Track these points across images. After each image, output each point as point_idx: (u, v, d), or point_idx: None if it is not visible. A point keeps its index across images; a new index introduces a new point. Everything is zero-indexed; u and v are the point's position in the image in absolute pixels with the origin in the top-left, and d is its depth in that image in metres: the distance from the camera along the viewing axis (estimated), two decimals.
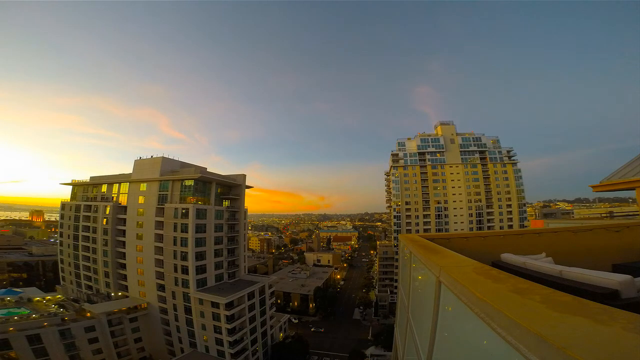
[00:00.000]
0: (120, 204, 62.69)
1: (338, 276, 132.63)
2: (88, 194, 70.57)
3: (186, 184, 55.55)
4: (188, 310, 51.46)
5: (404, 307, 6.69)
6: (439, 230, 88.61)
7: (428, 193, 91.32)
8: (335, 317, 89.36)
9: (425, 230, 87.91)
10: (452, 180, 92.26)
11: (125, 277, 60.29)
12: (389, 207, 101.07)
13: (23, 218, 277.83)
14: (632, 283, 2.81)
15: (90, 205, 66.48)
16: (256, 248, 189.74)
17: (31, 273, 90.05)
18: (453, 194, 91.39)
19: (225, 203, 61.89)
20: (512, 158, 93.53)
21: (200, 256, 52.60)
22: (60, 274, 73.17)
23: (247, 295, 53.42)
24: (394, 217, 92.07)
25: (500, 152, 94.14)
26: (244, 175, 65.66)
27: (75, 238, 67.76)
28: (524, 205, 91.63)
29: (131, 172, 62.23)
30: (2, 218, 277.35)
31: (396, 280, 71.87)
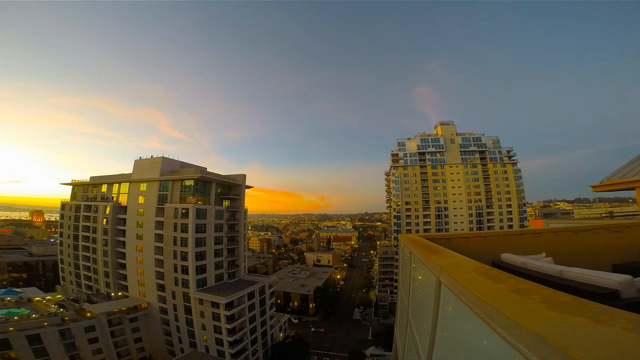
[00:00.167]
0: (120, 204, 62.69)
1: (338, 276, 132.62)
2: (88, 194, 70.57)
3: (186, 184, 55.55)
4: (188, 310, 51.45)
5: (404, 307, 6.69)
6: (439, 230, 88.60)
7: (428, 193, 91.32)
8: (335, 317, 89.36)
9: (425, 230, 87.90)
10: (452, 180, 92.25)
11: (125, 277, 60.29)
12: (389, 207, 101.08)
13: (23, 218, 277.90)
14: (632, 283, 2.81)
15: (90, 205, 66.48)
16: (256, 248, 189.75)
17: (31, 273, 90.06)
18: (453, 194, 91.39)
19: (225, 203, 61.88)
20: (512, 158, 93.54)
21: (200, 256, 52.60)
22: (60, 274, 73.16)
23: (247, 295, 53.42)
24: (394, 217, 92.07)
25: (500, 152, 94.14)
26: (244, 175, 65.67)
27: (75, 238, 67.76)
28: (524, 205, 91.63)
29: (131, 172, 62.22)
30: (2, 218, 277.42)
31: (396, 280, 71.88)
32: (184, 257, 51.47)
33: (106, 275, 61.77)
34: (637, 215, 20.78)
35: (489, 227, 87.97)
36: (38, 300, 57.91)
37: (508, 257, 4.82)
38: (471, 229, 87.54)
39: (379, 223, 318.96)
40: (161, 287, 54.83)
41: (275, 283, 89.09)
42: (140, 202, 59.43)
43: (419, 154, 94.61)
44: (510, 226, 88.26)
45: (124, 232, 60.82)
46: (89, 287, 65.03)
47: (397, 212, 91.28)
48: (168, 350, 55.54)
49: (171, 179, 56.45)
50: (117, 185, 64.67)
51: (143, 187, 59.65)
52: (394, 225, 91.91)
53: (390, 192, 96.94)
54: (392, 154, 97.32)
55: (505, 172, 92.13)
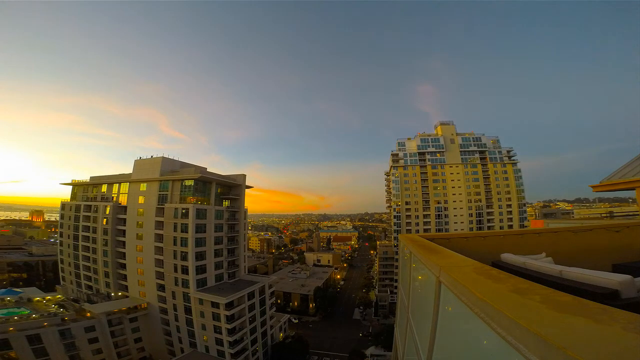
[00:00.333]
0: (120, 204, 62.69)
1: (338, 276, 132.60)
2: (88, 194, 70.57)
3: (186, 184, 55.54)
4: (188, 310, 51.45)
5: (404, 307, 6.68)
6: (439, 230, 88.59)
7: (428, 193, 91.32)
8: (335, 317, 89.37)
9: (425, 230, 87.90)
10: (452, 180, 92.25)
11: (125, 277, 60.29)
12: (389, 207, 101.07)
13: (23, 218, 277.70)
14: (632, 283, 2.81)
15: (90, 205, 66.47)
16: (256, 248, 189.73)
17: (31, 273, 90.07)
18: (453, 194, 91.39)
19: (225, 203, 61.87)
20: (512, 158, 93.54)
21: (200, 256, 52.59)
22: (60, 274, 73.16)
23: (247, 295, 53.42)
24: (394, 217, 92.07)
25: (500, 152, 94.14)
26: (244, 175, 65.66)
27: (75, 238, 67.75)
28: (524, 205, 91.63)
29: (131, 172, 62.23)
30: (2, 218, 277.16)
31: (396, 280, 71.85)
32: (184, 257, 51.47)
33: (106, 275, 61.77)
34: (637, 215, 20.79)
35: (489, 227, 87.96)
36: (38, 300, 57.90)
37: (508, 257, 4.82)
38: (471, 229, 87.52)
39: (379, 223, 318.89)
40: (161, 287, 54.83)
41: (275, 283, 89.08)
42: (140, 202, 59.42)
43: (419, 154, 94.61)
44: (510, 226, 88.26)
45: (124, 232, 60.81)
46: (89, 287, 65.03)
47: (397, 212, 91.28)
48: (168, 350, 55.54)
49: (171, 179, 56.44)
50: (117, 185, 64.68)
51: (143, 187, 59.65)
52: (394, 225, 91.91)
53: (390, 192, 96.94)
54: (392, 154, 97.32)
55: (505, 172, 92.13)
